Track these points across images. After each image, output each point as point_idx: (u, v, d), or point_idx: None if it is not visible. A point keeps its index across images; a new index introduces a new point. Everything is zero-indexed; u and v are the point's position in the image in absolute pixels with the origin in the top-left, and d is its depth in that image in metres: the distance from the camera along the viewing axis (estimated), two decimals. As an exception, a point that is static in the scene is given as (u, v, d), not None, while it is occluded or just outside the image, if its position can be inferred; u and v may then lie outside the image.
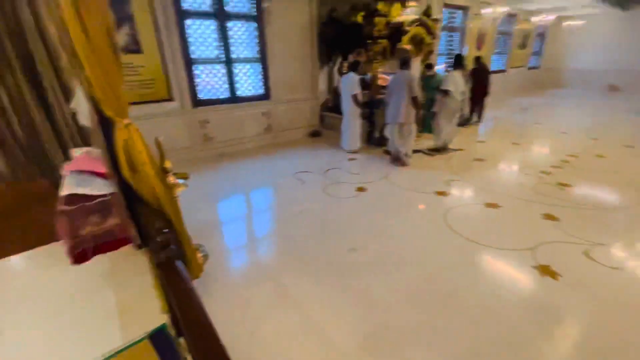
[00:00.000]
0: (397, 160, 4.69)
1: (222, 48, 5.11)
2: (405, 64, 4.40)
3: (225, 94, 5.41)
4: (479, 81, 6.84)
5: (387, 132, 4.71)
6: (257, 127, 5.84)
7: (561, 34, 13.18)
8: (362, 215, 3.28)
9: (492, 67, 10.96)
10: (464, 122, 6.83)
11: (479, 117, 7.28)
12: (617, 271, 2.36)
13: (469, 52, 9.39)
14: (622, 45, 12.19)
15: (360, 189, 3.90)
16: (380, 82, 6.01)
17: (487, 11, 7.87)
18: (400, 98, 4.32)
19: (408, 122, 4.43)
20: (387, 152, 5.11)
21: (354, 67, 4.99)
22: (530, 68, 13.13)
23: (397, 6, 5.83)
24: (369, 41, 5.64)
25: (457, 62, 4.89)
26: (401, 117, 4.38)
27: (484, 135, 6.47)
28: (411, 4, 5.74)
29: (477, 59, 7.13)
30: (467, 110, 6.81)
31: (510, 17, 10.73)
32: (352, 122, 5.15)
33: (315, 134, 6.52)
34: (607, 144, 5.53)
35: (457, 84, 4.71)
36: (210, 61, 5.12)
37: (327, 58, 6.54)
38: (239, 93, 5.55)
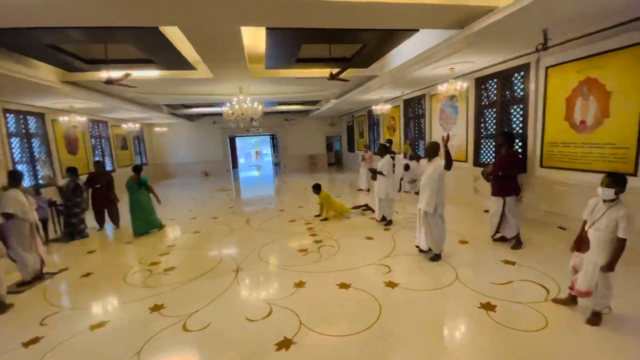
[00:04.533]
0: None
1: None
2: None
3: None
4: (101, 186, 6.57)
5: None
6: None
7: (156, 136, 15.92)
8: None
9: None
10: (74, 235, 6.01)
11: (117, 223, 6.79)
12: (206, 329, 2.92)
13: (60, 158, 8.64)
14: (200, 144, 16.90)
15: None
16: None
17: (63, 119, 7.68)
18: None
19: None
20: None
21: None
22: (142, 164, 14.50)
23: None
24: None
25: (13, 180, 4.14)
26: None
27: (97, 243, 6.02)
28: None
29: (97, 163, 6.92)
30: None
31: (101, 123, 11.30)
32: None
33: None
34: (202, 220, 7.16)
35: (21, 203, 4.01)
36: None
37: None
38: None
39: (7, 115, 7.15)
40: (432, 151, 4.14)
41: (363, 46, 5.73)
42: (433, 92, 8.48)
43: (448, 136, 3.95)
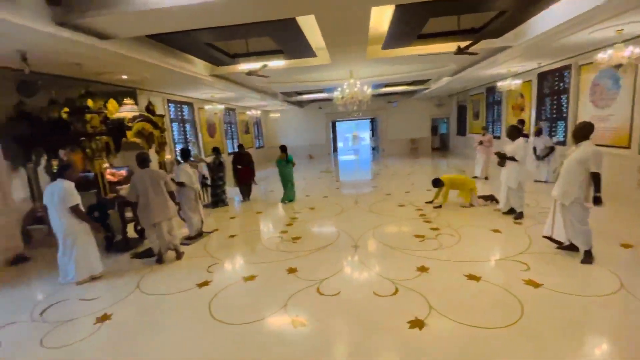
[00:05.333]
0: (160, 258, 4.36)
1: None
2: (144, 162, 4.32)
3: None
4: (243, 164, 7.60)
5: (150, 232, 4.32)
6: None
7: (270, 122, 17.65)
8: (103, 357, 2.58)
9: (229, 150, 12.69)
10: (217, 203, 7.30)
11: (248, 196, 7.87)
12: (338, 296, 3.18)
13: (203, 140, 10.44)
14: (306, 129, 18.02)
15: (103, 318, 3.10)
16: (110, 179, 5.36)
17: (208, 107, 9.20)
18: (159, 194, 4.23)
19: (173, 216, 4.45)
20: (137, 256, 4.65)
21: (62, 171, 3.92)
22: (258, 147, 16.39)
23: (113, 102, 5.61)
24: (83, 138, 4.97)
25: (183, 156, 5.27)
26: (169, 212, 4.33)
27: (236, 210, 7.15)
28: (127, 101, 5.70)
29: (240, 146, 8.10)
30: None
31: (231, 111, 13.13)
32: (77, 244, 3.82)
33: (18, 260, 4.66)
34: (314, 198, 7.71)
35: (190, 175, 5.04)
36: None
37: (25, 157, 5.13)
38: None
39: (169, 105, 8.97)
40: (581, 133, 3.47)
41: (499, 14, 5.03)
42: (584, 61, 6.95)
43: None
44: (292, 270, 3.81)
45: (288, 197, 7.41)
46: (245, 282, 3.64)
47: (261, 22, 4.47)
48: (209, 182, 7.48)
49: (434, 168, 11.92)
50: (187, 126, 9.80)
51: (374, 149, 20.70)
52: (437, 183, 6.12)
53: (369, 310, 2.93)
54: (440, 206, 6.03)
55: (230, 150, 12.59)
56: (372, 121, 21.31)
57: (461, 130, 15.83)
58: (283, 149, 7.48)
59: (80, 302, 3.48)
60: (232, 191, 8.51)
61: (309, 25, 4.77)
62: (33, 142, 4.98)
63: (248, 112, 13.17)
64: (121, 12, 3.45)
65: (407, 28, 5.19)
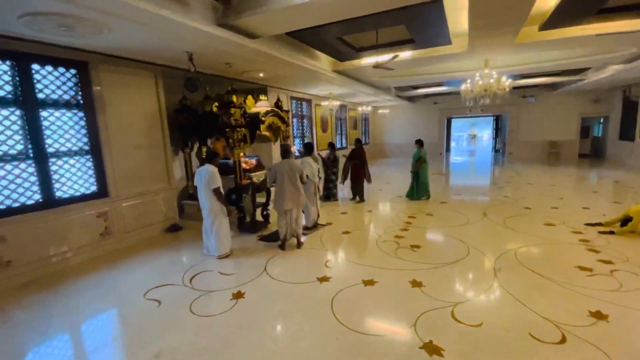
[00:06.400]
0: (283, 244, 4.58)
1: (29, 141, 4.00)
2: (286, 153, 4.62)
3: (33, 197, 4.06)
4: (353, 160, 7.07)
5: (280, 218, 4.58)
6: (88, 234, 4.54)
7: (378, 118, 17.26)
8: (241, 335, 2.72)
9: (338, 144, 12.91)
10: (329, 197, 7.37)
11: (356, 196, 7.29)
12: (480, 328, 2.65)
13: (317, 134, 10.83)
14: (415, 125, 16.91)
15: (237, 295, 3.36)
16: (243, 166, 5.95)
17: (325, 103, 9.44)
18: (294, 184, 4.46)
19: (302, 206, 4.64)
20: (263, 239, 5.00)
21: (209, 158, 4.46)
22: (364, 144, 16.25)
23: (250, 98, 6.20)
24: (227, 129, 5.61)
25: (308, 149, 5.41)
26: (300, 202, 4.52)
27: (346, 206, 7.08)
28: (262, 98, 6.20)
29: (357, 141, 7.36)
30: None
31: (343, 107, 13.31)
32: (216, 221, 4.32)
33: (174, 229, 5.62)
34: (432, 202, 7.01)
35: (312, 169, 5.14)
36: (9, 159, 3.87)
37: (184, 144, 6.14)
38: (59, 194, 4.31)
39: (292, 101, 9.55)
40: None
41: None
42: None
43: None
44: (416, 284, 3.41)
45: (420, 193, 7.29)
46: (365, 286, 3.43)
47: (399, 9, 4.13)
48: (321, 175, 7.60)
49: (576, 181, 9.49)
50: (305, 121, 10.30)
51: (497, 150, 18.05)
52: (626, 222, 4.60)
53: (528, 357, 2.31)
54: (611, 232, 4.61)
55: (338, 146, 12.79)
56: (497, 119, 18.57)
57: (627, 134, 12.21)
58: (422, 143, 7.37)
59: (220, 275, 3.88)
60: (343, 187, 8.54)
61: (454, 7, 4.19)
62: (191, 131, 5.89)
63: (359, 109, 13.09)
64: (271, 10, 3.61)
65: (587, 1, 4.02)
